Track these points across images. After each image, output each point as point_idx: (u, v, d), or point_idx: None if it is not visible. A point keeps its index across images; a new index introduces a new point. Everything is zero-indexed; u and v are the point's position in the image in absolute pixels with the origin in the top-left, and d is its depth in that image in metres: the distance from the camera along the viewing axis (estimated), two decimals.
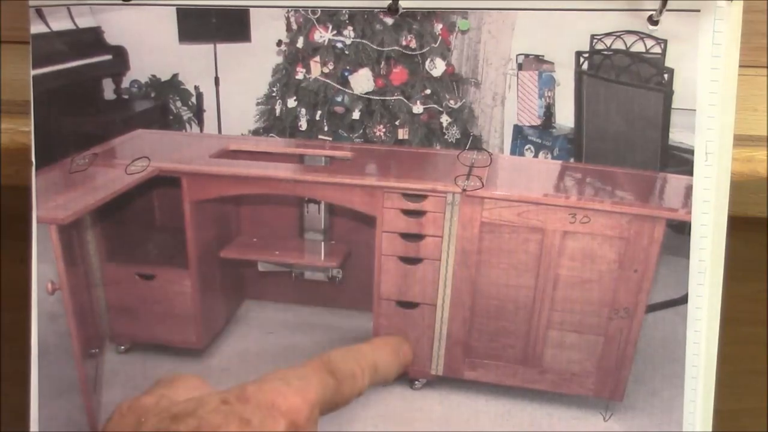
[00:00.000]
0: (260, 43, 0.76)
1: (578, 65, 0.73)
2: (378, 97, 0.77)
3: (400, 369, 0.73)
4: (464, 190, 0.76)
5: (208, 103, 0.78)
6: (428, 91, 0.77)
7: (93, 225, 0.82)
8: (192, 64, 0.77)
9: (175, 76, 0.77)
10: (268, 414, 0.55)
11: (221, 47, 0.76)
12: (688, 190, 0.71)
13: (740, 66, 0.69)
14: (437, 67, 0.77)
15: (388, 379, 0.71)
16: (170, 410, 0.56)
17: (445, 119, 0.77)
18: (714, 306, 0.73)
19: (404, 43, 0.75)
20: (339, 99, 0.78)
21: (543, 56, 0.74)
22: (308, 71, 0.78)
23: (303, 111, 0.79)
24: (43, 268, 0.77)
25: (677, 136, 0.72)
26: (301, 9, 0.75)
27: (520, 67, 0.75)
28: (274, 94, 0.78)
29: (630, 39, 0.71)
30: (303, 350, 0.84)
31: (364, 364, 0.67)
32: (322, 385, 0.60)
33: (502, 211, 0.77)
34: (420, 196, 0.78)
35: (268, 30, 0.76)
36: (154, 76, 0.77)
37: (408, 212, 0.79)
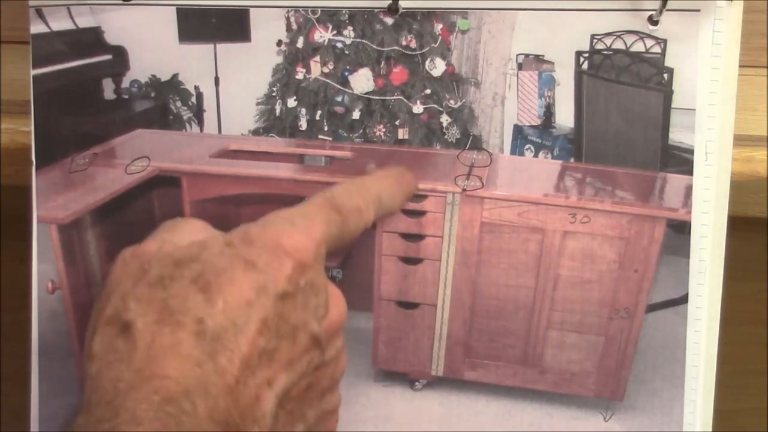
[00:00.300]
0: (260, 43, 0.76)
1: (578, 65, 0.73)
2: (378, 97, 0.77)
3: (405, 198, 0.72)
4: (464, 190, 0.76)
5: (208, 103, 0.78)
6: (428, 91, 0.77)
7: (93, 225, 0.82)
8: (192, 64, 0.77)
9: (175, 76, 0.77)
10: (274, 255, 0.54)
11: (221, 47, 0.76)
12: (688, 190, 0.72)
13: (740, 66, 0.69)
14: (437, 67, 0.77)
15: (393, 209, 0.70)
16: (173, 255, 0.55)
17: (445, 119, 0.77)
18: (714, 306, 0.73)
19: (404, 43, 0.75)
20: (339, 99, 0.78)
21: (543, 56, 0.74)
22: (308, 71, 0.78)
23: (303, 111, 0.79)
24: (44, 267, 0.76)
25: (677, 135, 0.72)
26: (301, 9, 0.75)
27: (520, 67, 0.75)
28: (274, 94, 0.78)
29: (630, 39, 0.71)
30: None
31: (368, 197, 0.66)
32: (326, 222, 0.60)
33: (502, 211, 0.77)
34: (420, 196, 0.78)
35: (268, 30, 0.76)
36: (154, 76, 0.77)
37: (408, 212, 0.79)
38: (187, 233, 0.59)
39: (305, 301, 0.56)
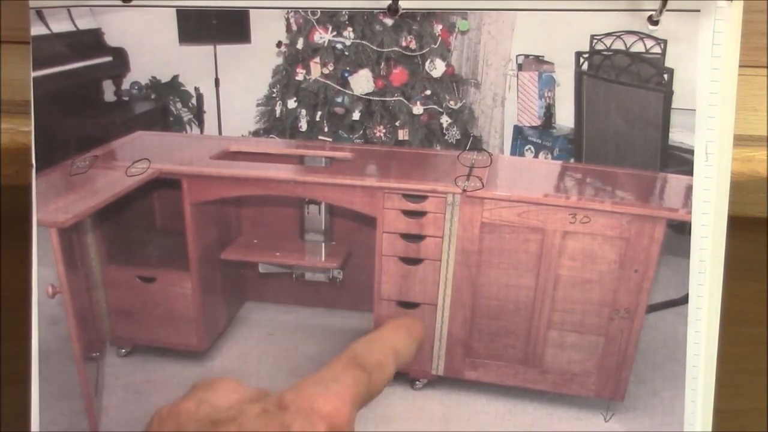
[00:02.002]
0: (260, 45, 0.76)
1: (578, 65, 0.73)
2: (378, 98, 0.77)
3: (417, 347, 0.72)
4: (464, 190, 0.76)
5: (209, 105, 0.78)
6: (428, 92, 0.77)
7: (93, 228, 0.82)
8: (192, 65, 0.77)
9: (175, 77, 0.77)
10: (308, 419, 0.55)
11: (221, 48, 0.76)
12: (688, 190, 0.72)
13: (740, 66, 0.69)
14: (437, 68, 0.77)
15: (408, 360, 0.70)
16: (211, 417, 0.56)
17: (445, 120, 0.77)
18: (714, 306, 0.73)
19: (404, 43, 0.75)
20: (339, 100, 0.78)
21: (543, 57, 0.74)
22: (308, 72, 0.78)
23: (303, 112, 0.79)
24: (44, 271, 0.76)
25: (677, 136, 0.72)
26: (300, 10, 0.75)
27: (520, 67, 0.75)
28: (274, 95, 0.78)
29: (630, 39, 0.71)
30: (304, 351, 0.84)
31: (387, 351, 0.66)
32: (356, 383, 0.60)
33: (502, 212, 0.77)
34: (420, 197, 0.78)
35: (268, 31, 0.76)
36: (154, 77, 0.77)
37: (408, 213, 0.79)
38: (222, 393, 0.60)
39: None
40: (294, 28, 0.76)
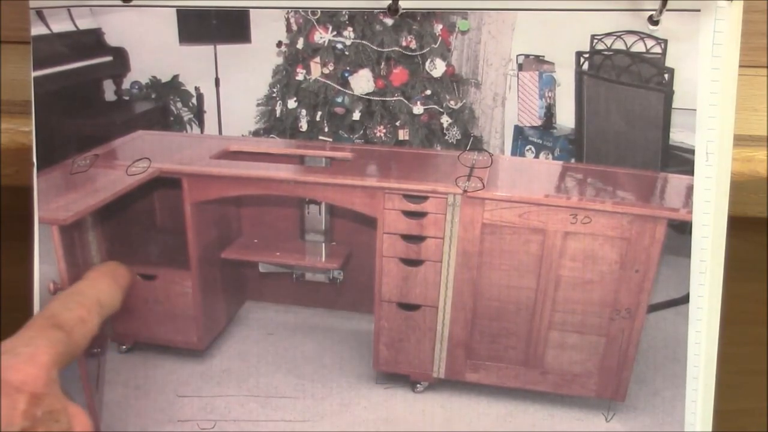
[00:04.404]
0: (260, 44, 0.76)
1: (579, 65, 0.73)
2: (378, 98, 0.77)
3: (123, 293, 0.69)
4: (465, 191, 0.76)
5: (209, 104, 0.78)
6: (428, 92, 0.77)
7: (94, 226, 0.82)
8: (192, 65, 0.77)
9: (175, 77, 0.77)
10: (3, 394, 0.52)
11: (221, 48, 0.76)
12: (689, 190, 0.71)
13: (740, 66, 0.69)
14: (437, 68, 0.77)
15: (114, 308, 0.67)
16: None
17: (445, 120, 0.77)
18: (714, 306, 0.73)
19: (404, 43, 0.75)
20: (339, 100, 0.78)
21: (543, 57, 0.74)
22: (308, 72, 0.78)
23: (303, 112, 0.78)
24: (45, 268, 0.76)
25: (678, 136, 0.72)
26: (301, 10, 0.75)
27: (520, 67, 0.75)
28: (274, 95, 0.78)
29: (630, 39, 0.71)
30: (303, 351, 0.84)
31: (89, 304, 0.64)
32: (52, 343, 0.57)
33: (503, 212, 0.77)
34: (421, 198, 0.78)
35: (268, 31, 0.76)
36: (154, 77, 0.77)
37: (409, 213, 0.79)
38: None
39: (47, 431, 0.54)
40: (294, 28, 0.76)
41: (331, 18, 0.75)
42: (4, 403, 0.52)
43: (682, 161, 0.72)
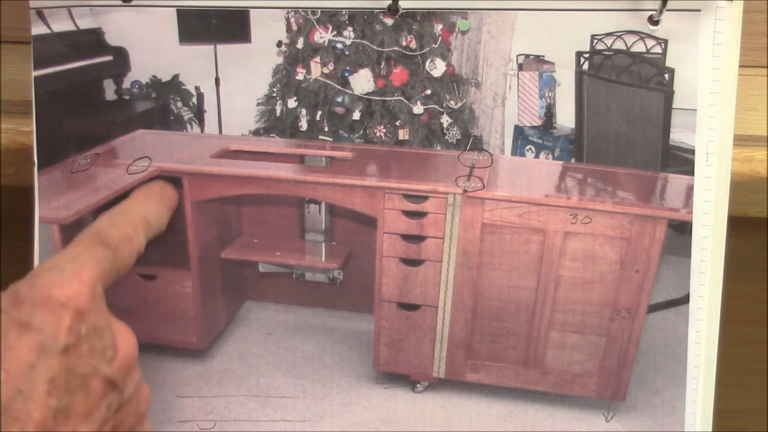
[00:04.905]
0: (260, 44, 0.76)
1: (579, 65, 0.73)
2: (378, 98, 0.77)
3: (170, 213, 0.70)
4: (465, 191, 0.76)
5: (209, 104, 0.78)
6: (428, 92, 0.77)
7: None
8: (192, 64, 0.77)
9: (175, 76, 0.77)
10: (48, 309, 0.51)
11: (221, 48, 0.76)
12: (689, 190, 0.72)
13: (740, 66, 0.69)
14: (437, 68, 0.77)
15: (161, 227, 0.68)
16: None
17: (445, 120, 0.77)
18: (714, 306, 0.73)
19: (404, 43, 0.75)
20: (339, 99, 0.78)
21: (543, 56, 0.74)
22: (308, 72, 0.78)
23: (303, 111, 0.78)
24: None
25: (678, 136, 0.72)
26: (301, 10, 0.75)
27: (520, 67, 0.75)
28: (274, 95, 0.78)
29: (630, 39, 0.71)
30: (303, 351, 0.84)
31: (136, 222, 0.64)
32: (97, 260, 0.57)
33: (503, 212, 0.77)
34: (421, 197, 0.78)
35: (268, 31, 0.76)
36: (154, 76, 0.77)
37: (409, 213, 0.79)
38: None
39: (91, 347, 0.53)
40: (294, 27, 0.76)
41: (331, 18, 0.75)
42: (50, 319, 0.51)
43: (682, 161, 0.72)
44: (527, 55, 0.75)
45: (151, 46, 0.76)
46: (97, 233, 0.60)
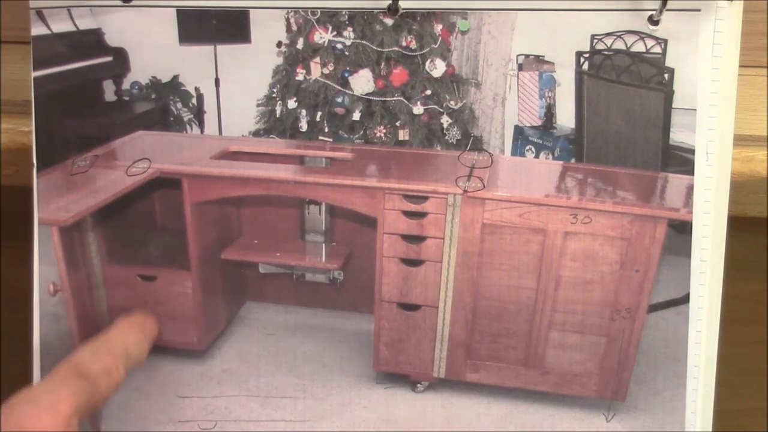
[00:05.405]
0: (260, 45, 0.76)
1: (579, 65, 0.73)
2: (378, 98, 0.77)
3: (150, 345, 0.69)
4: (465, 191, 0.76)
5: (209, 105, 0.78)
6: (428, 92, 0.77)
7: (94, 226, 0.82)
8: (192, 65, 0.77)
9: (175, 77, 0.77)
10: None
11: (221, 48, 0.76)
12: (689, 190, 0.71)
13: (740, 66, 0.69)
14: (437, 68, 0.77)
15: (141, 360, 0.68)
16: None
17: (445, 120, 0.77)
18: (714, 306, 0.73)
19: (404, 43, 0.75)
20: (339, 100, 0.78)
21: (543, 56, 0.74)
22: (308, 72, 0.78)
23: (303, 112, 0.78)
24: (45, 269, 0.76)
25: (678, 135, 0.72)
26: (300, 10, 0.75)
27: (520, 67, 0.75)
28: (274, 95, 0.78)
29: (630, 39, 0.71)
30: (303, 351, 0.84)
31: (117, 354, 0.64)
32: (74, 393, 0.57)
33: (503, 212, 0.77)
34: (421, 198, 0.78)
35: (268, 31, 0.76)
36: (154, 77, 0.77)
37: (409, 214, 0.79)
38: None
39: None
40: (294, 28, 0.76)
41: (331, 18, 0.75)
42: None
43: (682, 161, 0.72)
44: (527, 55, 0.75)
45: (151, 46, 0.76)
46: (76, 365, 0.60)
